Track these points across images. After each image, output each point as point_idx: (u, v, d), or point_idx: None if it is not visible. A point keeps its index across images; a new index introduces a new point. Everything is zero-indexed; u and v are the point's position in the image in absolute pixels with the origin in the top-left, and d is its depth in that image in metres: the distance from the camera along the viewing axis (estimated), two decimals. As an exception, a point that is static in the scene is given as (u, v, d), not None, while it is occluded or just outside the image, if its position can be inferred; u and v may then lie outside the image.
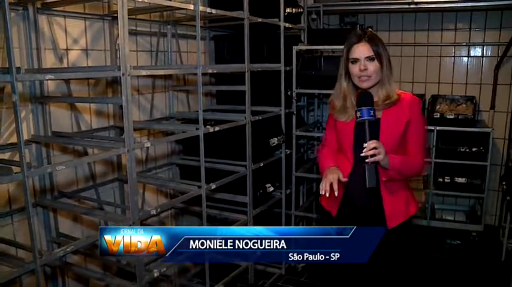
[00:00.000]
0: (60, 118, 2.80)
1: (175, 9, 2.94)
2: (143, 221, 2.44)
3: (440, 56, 5.12)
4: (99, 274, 2.69)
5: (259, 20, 3.09)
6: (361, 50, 2.09)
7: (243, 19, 2.95)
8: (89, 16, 2.91)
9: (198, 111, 2.65)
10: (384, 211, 2.17)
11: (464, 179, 4.69)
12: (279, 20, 3.31)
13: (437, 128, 4.62)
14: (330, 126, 2.38)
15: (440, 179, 4.78)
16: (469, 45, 5.00)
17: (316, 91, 4.09)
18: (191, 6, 2.55)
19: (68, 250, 2.00)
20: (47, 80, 2.41)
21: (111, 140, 2.84)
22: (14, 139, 2.49)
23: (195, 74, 2.63)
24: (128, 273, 2.95)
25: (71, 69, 2.73)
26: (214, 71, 2.83)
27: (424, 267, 4.10)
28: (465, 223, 4.91)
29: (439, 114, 4.72)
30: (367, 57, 2.08)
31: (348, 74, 2.18)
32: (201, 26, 2.57)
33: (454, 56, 5.08)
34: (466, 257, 4.30)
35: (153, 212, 2.43)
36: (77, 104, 2.89)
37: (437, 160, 4.69)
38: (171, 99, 3.65)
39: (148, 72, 2.69)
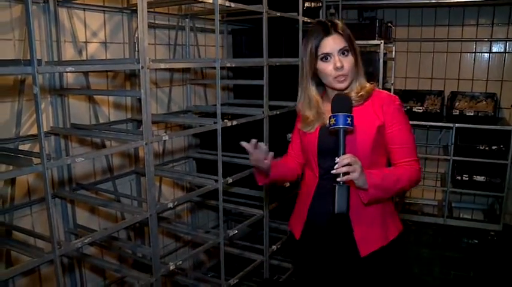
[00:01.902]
0: (79, 110, 2.82)
1: (194, 2, 2.94)
2: (159, 214, 2.44)
3: (460, 52, 5.05)
4: (116, 266, 2.70)
5: (278, 14, 3.07)
6: (333, 43, 1.78)
7: (262, 13, 2.93)
8: (108, 9, 2.92)
9: (215, 105, 2.64)
10: (354, 237, 1.84)
11: (483, 177, 4.63)
12: (298, 14, 3.28)
13: (456, 125, 4.57)
14: (295, 134, 2.08)
15: (459, 177, 4.73)
16: (491, 41, 4.92)
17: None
18: (210, 0, 2.54)
19: (85, 241, 2.01)
20: (67, 72, 2.43)
21: (129, 132, 2.85)
22: (33, 131, 2.52)
23: (213, 67, 2.62)
24: (144, 265, 2.97)
25: (90, 61, 2.74)
26: (233, 65, 2.82)
27: (440, 266, 4.06)
28: (483, 222, 4.86)
29: (458, 111, 4.66)
30: (340, 49, 1.77)
31: (315, 75, 1.88)
32: (219, 20, 2.56)
33: (475, 52, 5.00)
34: (484, 257, 4.24)
35: (170, 205, 2.43)
36: (95, 96, 2.91)
37: (456, 158, 4.64)
38: (188, 93, 3.65)
39: (167, 66, 2.69)
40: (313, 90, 1.91)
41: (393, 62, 4.48)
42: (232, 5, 2.69)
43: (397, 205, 5.10)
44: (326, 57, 1.80)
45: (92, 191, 2.91)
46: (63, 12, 2.65)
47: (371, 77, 3.79)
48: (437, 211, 5.22)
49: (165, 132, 3.41)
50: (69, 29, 2.70)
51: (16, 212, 2.49)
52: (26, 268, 1.85)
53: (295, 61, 3.12)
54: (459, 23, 4.99)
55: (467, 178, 4.71)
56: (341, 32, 1.78)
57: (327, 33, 1.78)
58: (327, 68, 1.80)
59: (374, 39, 3.83)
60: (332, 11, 4.62)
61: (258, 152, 1.79)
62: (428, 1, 4.46)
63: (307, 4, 3.68)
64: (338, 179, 1.60)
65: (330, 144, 1.75)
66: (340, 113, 1.65)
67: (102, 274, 3.06)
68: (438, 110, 4.79)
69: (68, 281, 2.83)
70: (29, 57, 2.27)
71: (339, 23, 1.82)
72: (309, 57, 1.83)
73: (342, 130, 1.64)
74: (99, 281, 3.06)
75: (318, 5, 3.99)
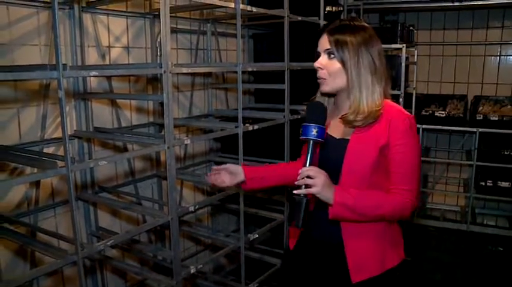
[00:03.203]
0: (102, 114, 2.85)
1: (215, 7, 2.95)
2: (180, 218, 2.46)
3: (484, 55, 4.96)
4: (137, 268, 2.73)
5: (299, 18, 3.07)
6: (322, 43, 1.68)
7: (283, 17, 2.93)
8: (130, 14, 2.96)
9: (236, 109, 2.65)
10: (346, 260, 1.69)
11: (508, 183, 4.54)
12: (319, 19, 3.27)
13: (480, 130, 4.49)
14: None
15: (482, 183, 4.65)
16: (517, 44, 4.82)
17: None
18: (232, 5, 2.55)
19: (108, 243, 2.03)
20: (91, 76, 2.46)
21: (150, 136, 2.88)
22: (57, 134, 2.56)
23: (235, 72, 2.63)
24: (164, 268, 2.99)
25: (114, 66, 2.78)
26: (254, 69, 2.82)
27: (463, 274, 3.99)
28: (508, 229, 4.75)
29: (481, 115, 4.58)
30: (325, 50, 1.66)
31: None
32: (240, 24, 2.57)
33: (499, 55, 4.91)
34: (509, 265, 4.15)
35: (191, 208, 2.44)
36: (117, 100, 2.94)
37: (479, 163, 4.55)
38: (209, 97, 3.67)
39: (189, 70, 2.71)
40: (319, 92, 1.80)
41: (415, 66, 4.43)
42: (254, 9, 2.70)
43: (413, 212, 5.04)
44: (317, 55, 1.70)
45: (114, 194, 2.94)
46: (87, 18, 2.70)
47: (393, 81, 3.78)
48: (460, 217, 5.13)
49: (187, 136, 3.43)
50: (92, 34, 2.74)
51: (40, 214, 2.53)
52: (50, 269, 1.88)
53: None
54: (483, 25, 4.91)
55: (491, 184, 4.62)
56: (330, 34, 1.65)
57: (321, 32, 1.71)
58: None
59: (396, 43, 3.80)
60: (353, 14, 4.61)
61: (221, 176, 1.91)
62: (451, 4, 4.39)
63: (328, 8, 3.67)
64: (295, 192, 1.54)
65: (328, 155, 1.69)
66: (312, 124, 1.57)
67: (123, 276, 3.09)
68: (461, 115, 4.72)
69: (89, 282, 2.86)
70: (54, 62, 2.33)
71: (339, 23, 1.68)
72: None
73: (311, 141, 1.57)
74: (120, 283, 3.09)
75: (339, 9, 3.98)
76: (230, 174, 1.92)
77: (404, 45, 3.68)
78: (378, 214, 1.59)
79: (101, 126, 2.79)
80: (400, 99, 3.73)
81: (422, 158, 4.74)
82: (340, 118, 1.69)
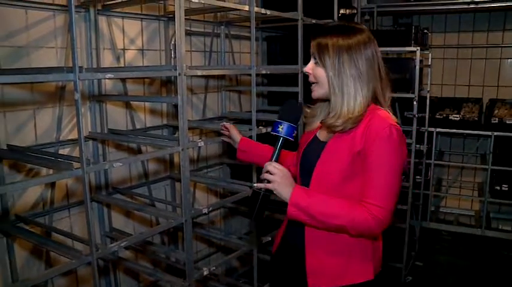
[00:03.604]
0: (116, 116, 2.88)
1: (230, 10, 2.96)
2: (194, 220, 2.46)
3: (500, 58, 4.90)
4: (150, 270, 2.74)
5: (313, 21, 3.07)
6: (311, 47, 1.64)
7: (297, 20, 2.93)
8: (145, 17, 2.98)
9: (249, 111, 2.65)
10: (305, 263, 1.63)
11: (524, 187, 4.48)
12: (333, 21, 3.27)
13: (495, 133, 4.44)
14: None
15: (497, 187, 4.59)
16: (534, 47, 4.76)
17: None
18: (246, 7, 2.55)
19: (122, 244, 2.04)
20: (107, 79, 2.48)
21: (164, 138, 2.89)
22: (72, 135, 2.59)
23: (248, 74, 2.63)
24: (176, 269, 3.00)
25: (129, 68, 2.80)
26: (268, 72, 2.83)
27: (477, 279, 3.94)
28: (524, 234, 4.69)
29: (497, 119, 4.52)
30: (312, 55, 1.63)
31: None
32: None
33: (516, 58, 4.85)
34: (524, 270, 4.10)
35: (205, 210, 2.45)
36: (131, 102, 2.96)
37: (494, 167, 4.50)
38: (223, 99, 3.68)
39: (204, 73, 2.72)
40: None
41: (429, 69, 4.39)
42: (268, 12, 2.71)
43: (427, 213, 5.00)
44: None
45: (128, 195, 2.96)
46: (102, 21, 2.72)
47: (406, 84, 3.75)
48: (475, 221, 5.07)
49: (200, 138, 3.45)
50: (108, 36, 2.77)
51: (55, 215, 2.56)
52: (66, 269, 1.90)
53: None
54: (499, 27, 4.85)
55: (506, 188, 4.55)
56: (314, 39, 1.61)
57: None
58: None
59: (410, 45, 3.77)
60: (367, 17, 4.59)
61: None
62: (466, 6, 4.35)
63: (342, 11, 3.66)
64: (254, 185, 1.56)
65: (307, 155, 1.69)
66: (284, 122, 1.56)
67: (136, 277, 3.11)
68: (476, 118, 4.67)
69: (103, 283, 2.88)
70: (70, 65, 2.36)
71: (322, 29, 1.62)
72: None
73: (281, 139, 1.56)
74: (133, 284, 3.11)
75: (353, 11, 3.97)
76: (231, 137, 2.14)
77: (419, 48, 3.65)
78: (336, 224, 1.48)
79: (115, 128, 2.81)
80: (414, 103, 3.70)
81: (436, 162, 4.81)
82: (321, 122, 1.67)
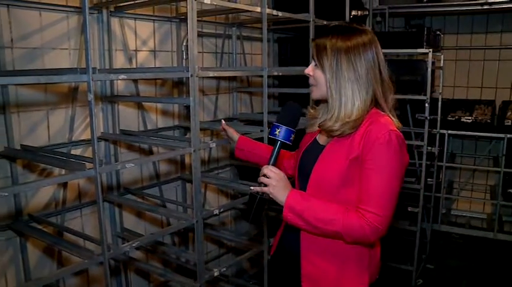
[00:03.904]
0: (128, 117, 2.89)
1: (241, 11, 2.97)
2: (205, 220, 2.47)
3: (514, 60, 4.85)
4: (161, 270, 2.75)
5: (325, 22, 3.06)
6: (311, 48, 1.63)
7: (308, 22, 2.93)
8: (157, 18, 3.00)
9: (260, 113, 2.66)
10: (300, 267, 1.61)
11: (537, 190, 4.43)
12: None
13: (508, 135, 4.40)
14: None
15: (510, 190, 4.54)
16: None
17: (380, 95, 3.98)
18: (258, 9, 2.56)
19: (134, 245, 2.06)
20: (120, 79, 2.50)
21: (176, 139, 2.90)
22: (84, 136, 2.61)
23: (260, 76, 2.63)
24: (186, 270, 3.01)
25: (142, 69, 2.82)
26: (279, 74, 2.82)
27: (488, 283, 3.91)
28: (537, 238, 4.64)
29: (510, 121, 4.49)
30: (312, 57, 1.60)
31: None
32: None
33: (530, 60, 4.80)
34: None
35: (216, 211, 2.45)
36: (143, 103, 2.98)
37: (507, 170, 4.46)
38: (234, 101, 3.69)
39: (216, 74, 2.73)
40: None
41: (441, 70, 4.36)
42: (280, 14, 2.71)
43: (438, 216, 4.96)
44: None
45: (139, 195, 2.98)
46: (115, 22, 2.74)
47: (418, 86, 3.73)
48: (487, 224, 5.03)
49: (211, 139, 3.45)
50: (120, 38, 2.78)
51: (67, 214, 2.58)
52: (78, 268, 1.92)
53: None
54: (513, 29, 4.81)
55: (519, 191, 4.52)
56: (314, 41, 1.59)
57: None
58: None
59: (422, 47, 3.75)
60: (378, 19, 4.58)
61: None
62: (480, 7, 4.31)
63: (353, 12, 3.66)
64: (251, 188, 1.54)
65: (306, 159, 1.66)
66: (282, 125, 1.55)
67: (146, 277, 3.12)
68: (488, 120, 4.63)
69: (114, 283, 2.90)
70: (82, 66, 2.38)
71: (322, 30, 1.59)
72: None
73: (279, 143, 1.55)
74: (144, 284, 3.12)
75: (365, 13, 3.96)
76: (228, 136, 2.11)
77: (431, 50, 3.63)
78: (331, 229, 1.44)
79: (127, 129, 2.82)
80: (426, 105, 3.67)
81: (447, 164, 4.76)
82: (318, 125, 1.62)
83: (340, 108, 1.51)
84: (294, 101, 1.70)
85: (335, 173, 1.51)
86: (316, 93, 1.61)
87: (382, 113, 1.54)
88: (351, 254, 1.55)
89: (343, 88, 1.50)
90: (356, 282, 1.56)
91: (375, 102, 1.55)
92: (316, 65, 1.56)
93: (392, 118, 1.56)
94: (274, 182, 1.49)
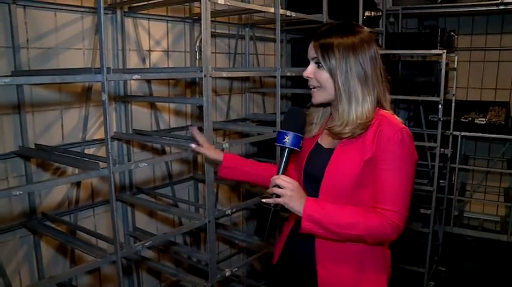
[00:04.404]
0: (141, 117, 2.90)
1: (255, 12, 2.97)
2: (216, 220, 2.47)
3: (529, 61, 4.80)
4: (172, 270, 2.75)
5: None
6: (309, 50, 1.55)
7: (322, 22, 2.92)
8: (170, 19, 3.00)
9: (273, 113, 2.65)
10: (317, 275, 1.56)
11: (552, 193, 4.38)
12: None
13: (523, 137, 4.36)
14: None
15: (524, 193, 4.50)
16: None
17: (393, 96, 3.93)
18: (271, 9, 2.56)
19: (146, 244, 2.06)
20: (134, 79, 2.51)
21: (188, 139, 2.90)
22: (98, 136, 2.63)
23: (273, 76, 2.63)
24: (198, 270, 3.01)
25: (155, 69, 2.82)
26: (292, 74, 2.82)
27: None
28: (552, 241, 4.59)
29: (525, 123, 4.44)
30: (313, 59, 1.54)
31: None
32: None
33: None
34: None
35: (228, 211, 2.46)
36: (156, 103, 2.99)
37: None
38: (247, 101, 3.69)
39: (229, 74, 2.72)
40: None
41: (455, 72, 4.32)
42: (293, 14, 2.70)
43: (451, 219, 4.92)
44: (308, 63, 1.57)
45: (151, 195, 2.99)
46: (129, 22, 2.75)
47: (432, 87, 3.70)
48: (500, 227, 4.98)
49: (224, 139, 3.46)
50: (134, 38, 2.79)
51: (80, 213, 2.59)
52: (91, 267, 1.94)
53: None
54: (529, 30, 4.76)
55: (533, 194, 4.47)
56: (316, 41, 1.52)
57: (312, 38, 1.56)
58: None
59: (436, 48, 3.72)
60: (392, 19, 4.55)
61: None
62: (495, 8, 4.26)
63: (367, 13, 3.64)
64: (263, 200, 1.44)
65: (314, 164, 1.59)
66: (284, 131, 1.48)
67: (158, 276, 3.13)
68: (502, 122, 4.58)
69: (125, 282, 2.91)
70: (96, 66, 2.39)
71: (322, 30, 1.54)
72: None
73: (287, 150, 1.48)
74: (155, 283, 3.13)
75: (378, 14, 3.94)
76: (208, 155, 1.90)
77: (445, 51, 3.60)
78: (353, 233, 1.43)
79: (140, 129, 2.84)
80: (440, 106, 3.65)
81: (460, 166, 4.72)
82: (326, 129, 1.59)
83: (350, 111, 1.48)
84: (307, 101, 1.68)
85: (349, 175, 1.48)
86: (319, 97, 1.55)
87: (385, 111, 1.53)
88: (367, 257, 1.54)
89: (353, 89, 1.47)
90: (375, 282, 1.56)
91: (377, 101, 1.53)
92: (319, 66, 1.51)
93: (396, 116, 1.54)
94: (290, 192, 1.42)
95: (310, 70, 1.54)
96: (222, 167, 1.86)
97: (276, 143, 1.51)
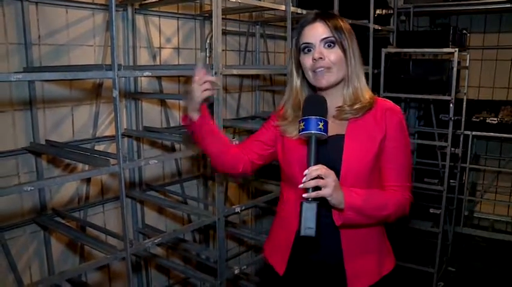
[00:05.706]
0: (151, 114, 2.91)
1: (266, 9, 2.95)
2: (225, 218, 2.47)
3: (543, 60, 4.74)
4: (181, 267, 2.76)
5: (350, 21, 3.02)
6: (315, 32, 1.50)
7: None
8: (181, 16, 3.00)
9: (284, 111, 2.64)
10: (345, 270, 1.52)
11: None
12: (369, 22, 3.23)
13: (533, 137, 4.31)
14: (266, 129, 1.72)
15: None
16: None
17: (404, 95, 3.94)
18: (282, 7, 2.55)
19: (156, 241, 2.07)
20: (145, 76, 2.51)
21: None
22: (108, 132, 2.64)
23: (283, 74, 2.62)
24: (207, 267, 3.01)
25: (166, 66, 2.82)
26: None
27: (514, 286, 3.84)
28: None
29: (537, 123, 4.39)
30: (324, 39, 1.49)
31: (300, 69, 1.58)
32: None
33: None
34: None
35: (237, 209, 2.45)
36: (166, 100, 2.99)
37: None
38: (257, 99, 3.68)
39: (239, 72, 2.72)
40: (297, 85, 1.61)
41: (466, 70, 4.28)
42: (304, 12, 2.69)
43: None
44: (307, 48, 1.52)
45: (161, 192, 2.99)
46: (139, 19, 2.75)
47: (443, 86, 3.67)
48: (511, 228, 4.93)
49: (234, 137, 3.45)
50: (144, 35, 2.80)
51: (90, 209, 2.60)
52: (101, 263, 1.95)
53: (365, 69, 3.07)
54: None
55: (545, 195, 4.42)
56: (326, 21, 1.50)
57: (313, 20, 1.53)
58: (306, 60, 1.52)
59: (447, 47, 3.69)
60: (403, 18, 4.52)
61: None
62: (509, 5, 4.20)
63: (378, 11, 3.61)
64: (305, 195, 1.33)
65: (325, 153, 1.47)
66: (312, 117, 1.37)
67: (167, 273, 3.14)
68: (514, 122, 4.54)
69: (134, 278, 2.92)
70: (107, 62, 2.39)
71: (330, 12, 1.57)
72: (294, 48, 1.58)
73: (314, 137, 1.37)
74: (164, 280, 3.14)
75: (389, 12, 3.91)
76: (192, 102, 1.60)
77: (457, 49, 3.56)
78: (384, 215, 1.48)
79: (150, 126, 2.84)
80: (451, 105, 3.61)
81: (471, 166, 4.68)
82: (337, 108, 1.54)
83: (361, 88, 1.54)
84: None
85: (368, 158, 1.49)
86: (332, 77, 1.51)
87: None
88: (381, 240, 1.62)
89: (360, 70, 1.55)
90: (390, 263, 1.63)
91: None
92: (330, 46, 1.50)
93: None
94: (333, 182, 1.35)
95: (320, 51, 1.50)
96: (198, 119, 1.61)
97: (304, 132, 1.38)
